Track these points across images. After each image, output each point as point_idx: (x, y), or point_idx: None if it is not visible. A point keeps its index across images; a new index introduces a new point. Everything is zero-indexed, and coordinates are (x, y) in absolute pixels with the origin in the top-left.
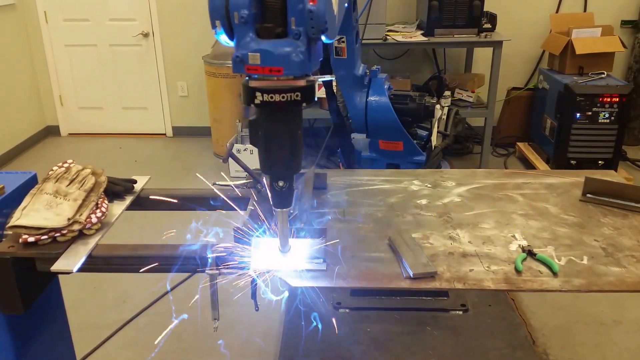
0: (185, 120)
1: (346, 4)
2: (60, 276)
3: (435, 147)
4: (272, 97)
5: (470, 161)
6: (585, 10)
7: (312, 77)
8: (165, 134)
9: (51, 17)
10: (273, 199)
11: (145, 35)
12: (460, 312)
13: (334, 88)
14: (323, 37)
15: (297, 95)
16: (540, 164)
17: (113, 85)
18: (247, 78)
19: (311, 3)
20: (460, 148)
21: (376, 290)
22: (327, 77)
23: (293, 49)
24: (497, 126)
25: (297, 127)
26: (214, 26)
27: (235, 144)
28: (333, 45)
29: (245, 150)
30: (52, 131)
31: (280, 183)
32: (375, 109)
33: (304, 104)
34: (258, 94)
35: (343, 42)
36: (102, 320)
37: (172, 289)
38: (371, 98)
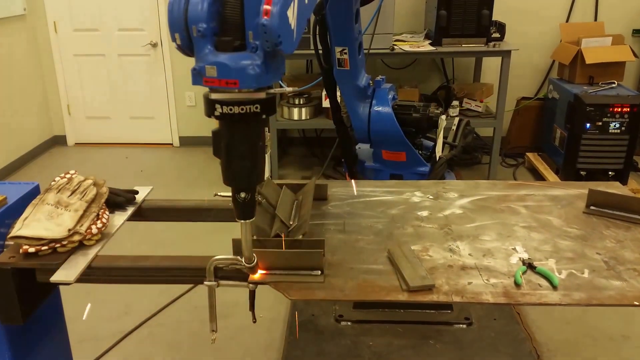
0: (192, 130)
1: (307, 18)
2: (61, 287)
3: (439, 157)
4: (231, 109)
5: (479, 171)
6: (595, 19)
7: (272, 90)
8: (172, 144)
9: (61, 27)
10: (236, 211)
11: (154, 45)
12: (464, 326)
13: (338, 99)
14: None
15: (256, 108)
16: (550, 175)
17: (121, 95)
18: (209, 90)
19: (265, 17)
20: (469, 158)
21: (379, 302)
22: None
23: (249, 62)
24: (506, 136)
25: (257, 139)
26: (173, 39)
27: None
28: (336, 56)
29: None
30: (58, 141)
31: (242, 194)
32: (378, 119)
33: (264, 116)
34: (217, 106)
35: (345, 53)
36: (102, 331)
37: (172, 301)
38: (374, 108)
